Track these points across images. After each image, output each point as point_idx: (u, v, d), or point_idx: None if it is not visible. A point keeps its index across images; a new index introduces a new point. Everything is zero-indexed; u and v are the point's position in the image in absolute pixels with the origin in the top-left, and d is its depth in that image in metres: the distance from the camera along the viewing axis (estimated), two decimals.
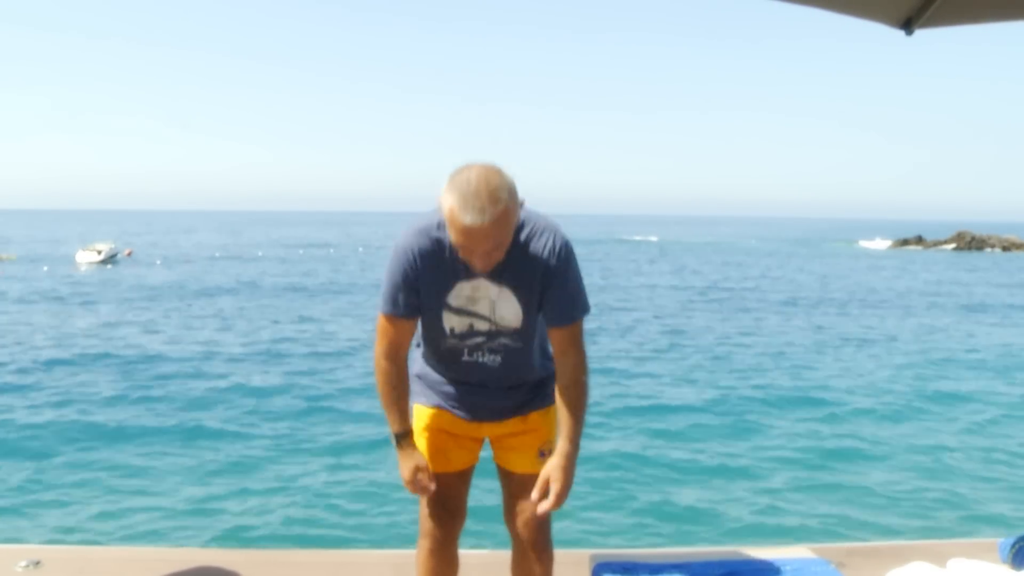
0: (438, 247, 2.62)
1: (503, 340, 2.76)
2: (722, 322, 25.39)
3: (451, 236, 2.48)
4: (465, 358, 2.82)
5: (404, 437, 2.77)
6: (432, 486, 2.74)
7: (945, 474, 10.44)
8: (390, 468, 9.88)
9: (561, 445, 2.70)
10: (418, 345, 2.95)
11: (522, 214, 2.61)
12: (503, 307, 2.70)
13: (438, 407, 2.92)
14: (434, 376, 2.95)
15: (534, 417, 2.89)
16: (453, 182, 2.42)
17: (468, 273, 2.65)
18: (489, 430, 2.94)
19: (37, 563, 3.87)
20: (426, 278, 2.67)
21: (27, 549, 4.18)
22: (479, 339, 2.77)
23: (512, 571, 3.01)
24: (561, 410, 2.73)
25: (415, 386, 2.95)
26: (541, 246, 2.64)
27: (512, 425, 2.91)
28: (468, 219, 2.36)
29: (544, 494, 2.65)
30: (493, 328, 2.74)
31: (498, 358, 2.79)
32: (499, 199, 2.38)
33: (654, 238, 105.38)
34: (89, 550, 4.49)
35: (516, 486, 2.88)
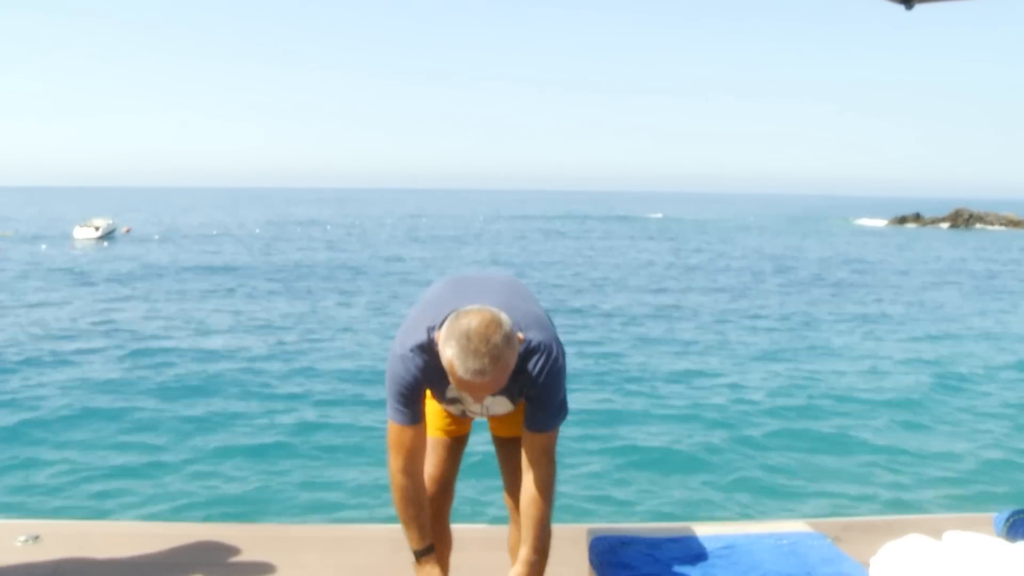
0: (433, 365, 2.59)
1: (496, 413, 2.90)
2: (719, 298, 25.42)
3: (450, 379, 2.48)
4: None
5: (424, 554, 2.71)
6: None
7: (942, 449, 10.50)
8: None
9: (524, 553, 2.72)
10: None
11: (520, 324, 2.59)
12: (495, 407, 2.79)
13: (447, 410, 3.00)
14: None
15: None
16: (452, 331, 2.41)
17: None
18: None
19: (36, 538, 3.88)
20: (426, 384, 2.68)
21: (26, 524, 4.19)
22: (471, 417, 2.94)
23: (510, 544, 3.04)
24: (525, 519, 2.74)
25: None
26: (532, 366, 2.62)
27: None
28: (467, 376, 2.37)
29: None
30: (485, 415, 2.88)
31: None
32: (498, 356, 2.38)
33: (658, 215, 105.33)
34: (88, 525, 4.50)
35: (511, 452, 2.91)
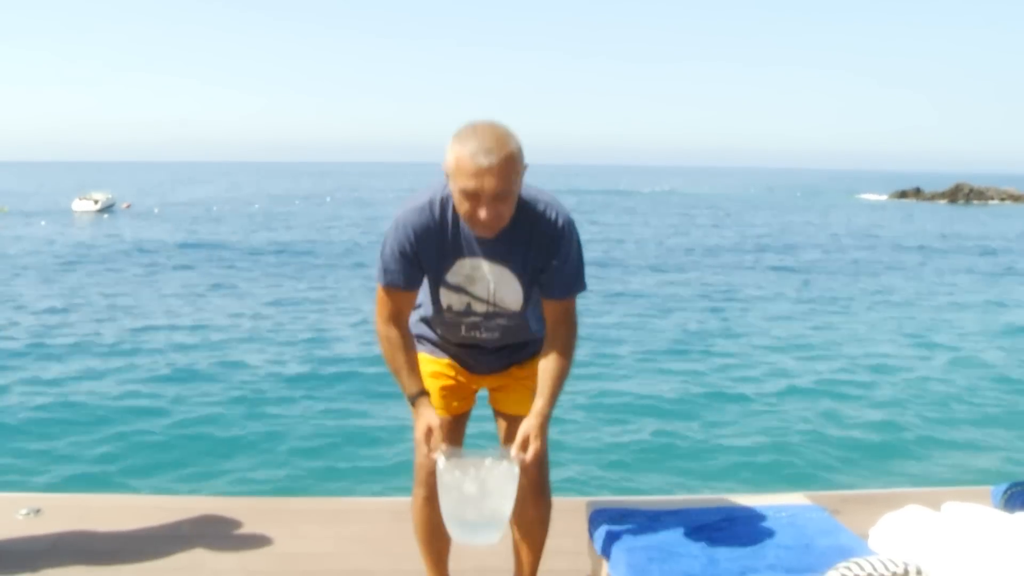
0: (437, 224, 2.61)
1: (500, 320, 2.78)
2: (718, 273, 25.45)
3: (458, 187, 2.45)
4: (463, 333, 2.83)
5: (419, 396, 2.72)
6: (443, 446, 2.66)
7: (940, 422, 10.53)
8: (387, 416, 9.96)
9: (539, 405, 2.70)
10: (418, 306, 2.93)
11: (525, 190, 2.60)
12: (502, 290, 2.71)
13: (437, 357, 2.93)
14: (432, 336, 2.96)
15: (529, 364, 2.89)
16: (458, 135, 2.43)
17: (468, 250, 2.65)
18: (486, 382, 2.97)
19: (38, 511, 3.90)
20: (425, 254, 2.66)
21: (27, 497, 4.21)
22: (476, 318, 2.77)
23: (512, 516, 3.04)
24: (543, 373, 2.73)
25: (415, 343, 2.92)
26: (544, 220, 2.63)
27: (509, 375, 2.93)
28: (477, 160, 2.37)
29: (524, 449, 2.64)
30: (491, 310, 2.75)
31: (496, 334, 2.81)
32: (506, 143, 2.40)
33: (661, 188, 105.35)
34: (89, 498, 4.52)
35: (514, 427, 2.86)
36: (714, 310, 18.64)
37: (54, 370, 12.63)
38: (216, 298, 19.83)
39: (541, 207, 2.62)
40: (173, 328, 16.00)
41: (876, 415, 10.78)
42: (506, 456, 2.59)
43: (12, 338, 14.90)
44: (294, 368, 12.96)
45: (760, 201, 79.91)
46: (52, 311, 17.62)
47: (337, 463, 8.98)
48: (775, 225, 47.56)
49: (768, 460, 9.12)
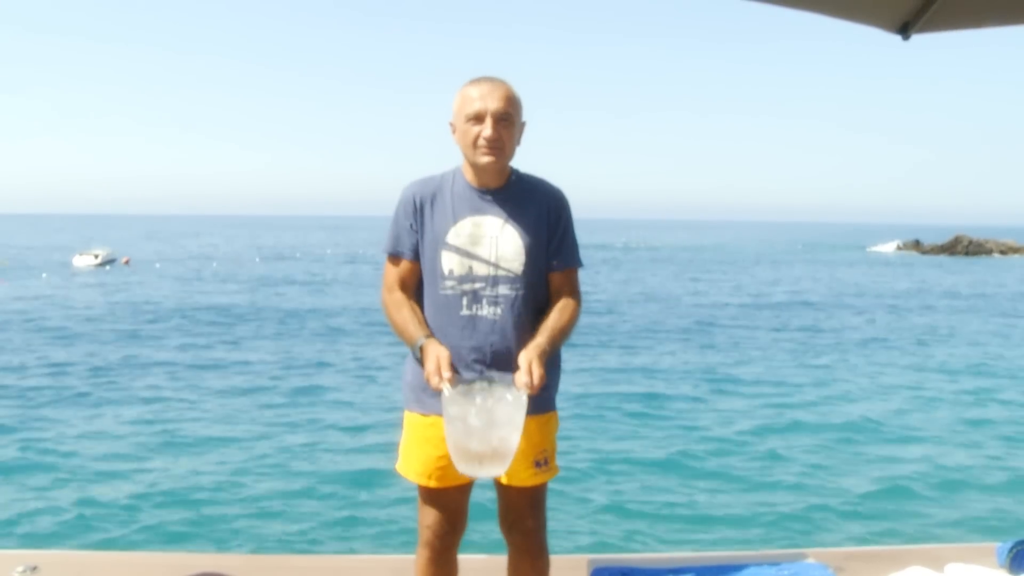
0: (440, 188, 2.83)
1: (502, 289, 2.77)
2: (718, 328, 25.45)
3: (463, 116, 2.74)
4: (463, 311, 2.78)
5: (426, 339, 2.71)
6: (449, 375, 2.59)
7: (944, 478, 10.44)
8: (388, 474, 9.88)
9: (538, 340, 2.69)
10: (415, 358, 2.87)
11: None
12: (505, 244, 2.76)
13: (429, 414, 2.86)
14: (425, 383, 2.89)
15: (531, 425, 2.80)
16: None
17: (472, 208, 2.78)
18: None
19: (34, 569, 3.86)
20: (428, 220, 2.81)
21: (24, 554, 4.17)
22: (478, 284, 2.76)
23: (508, 573, 3.02)
24: (548, 320, 2.77)
25: (411, 394, 2.91)
26: (545, 185, 2.88)
27: None
28: (481, 86, 2.72)
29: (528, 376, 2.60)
30: (493, 272, 2.76)
31: (498, 310, 2.77)
32: (506, 82, 2.76)
33: (669, 242, 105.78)
34: (86, 555, 4.48)
35: (512, 498, 2.90)
36: (715, 366, 18.57)
37: (52, 426, 12.59)
38: (214, 355, 19.79)
39: (539, 177, 2.90)
40: (175, 385, 15.97)
41: (880, 471, 10.69)
42: (513, 385, 2.55)
43: (11, 395, 14.85)
44: (294, 425, 12.89)
45: (761, 255, 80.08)
46: (52, 367, 17.60)
47: (338, 520, 8.90)
48: (774, 279, 47.61)
49: (772, 517, 9.04)
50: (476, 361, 2.79)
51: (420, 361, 2.71)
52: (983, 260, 70.07)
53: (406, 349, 2.85)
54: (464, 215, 2.76)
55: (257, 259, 61.05)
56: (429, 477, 2.86)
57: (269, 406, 14.10)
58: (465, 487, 2.94)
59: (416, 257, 2.84)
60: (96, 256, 51.20)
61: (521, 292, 2.78)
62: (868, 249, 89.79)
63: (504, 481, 2.90)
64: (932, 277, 48.75)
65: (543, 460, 2.86)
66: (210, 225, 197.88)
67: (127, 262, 54.05)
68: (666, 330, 24.44)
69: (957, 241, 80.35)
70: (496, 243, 2.75)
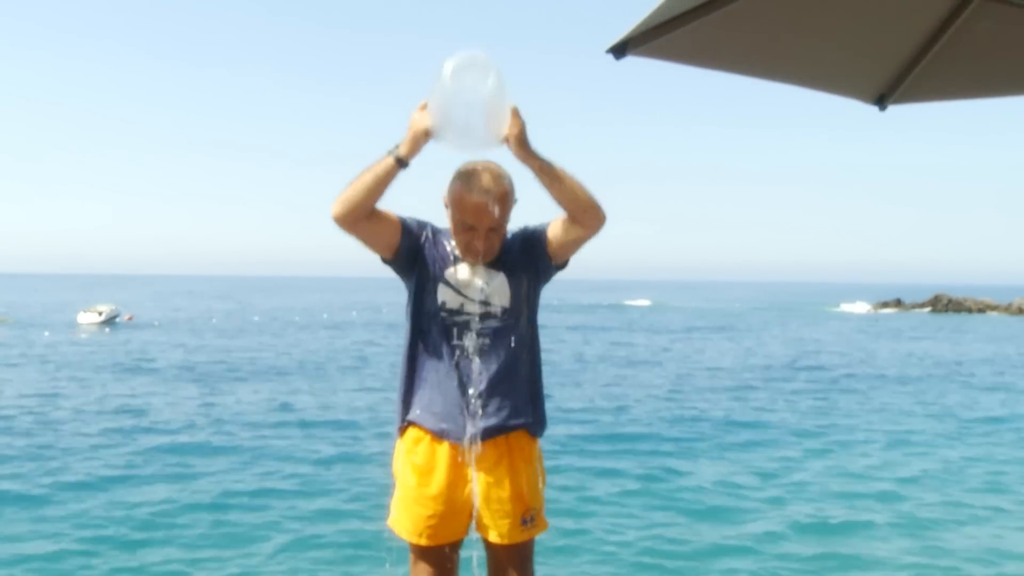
0: (444, 239, 2.94)
1: (491, 323, 2.89)
2: (693, 394, 25.51)
3: (456, 219, 2.79)
4: (454, 341, 2.89)
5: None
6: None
7: (941, 546, 10.31)
8: (379, 525, 9.84)
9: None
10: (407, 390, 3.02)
11: None
12: (495, 288, 2.90)
13: (429, 432, 2.94)
14: (424, 396, 2.98)
15: (518, 479, 2.93)
16: (460, 172, 2.78)
17: (463, 258, 2.92)
18: (478, 464, 2.90)
19: None
20: (431, 251, 2.92)
21: None
22: (469, 318, 2.88)
23: None
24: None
25: (405, 405, 3.04)
26: (520, 231, 2.99)
27: (497, 462, 2.92)
28: (476, 197, 2.69)
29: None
30: (483, 310, 2.89)
31: (486, 341, 2.88)
32: (502, 180, 2.76)
33: (643, 302, 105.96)
34: None
35: (499, 555, 2.98)
36: (703, 425, 18.56)
37: (50, 478, 12.56)
38: (215, 409, 19.71)
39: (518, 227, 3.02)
40: (173, 436, 15.93)
41: (872, 538, 10.65)
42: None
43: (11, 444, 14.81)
44: (291, 476, 12.85)
45: (737, 316, 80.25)
46: (60, 420, 17.54)
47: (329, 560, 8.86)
48: (757, 341, 47.75)
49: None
50: (461, 385, 2.88)
51: (401, 159, 2.69)
52: (963, 317, 70.71)
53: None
54: (460, 262, 2.92)
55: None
56: (420, 535, 2.94)
57: (275, 453, 14.10)
58: (455, 544, 3.00)
59: (397, 225, 2.89)
60: (100, 313, 50.77)
61: (510, 323, 2.92)
62: (839, 308, 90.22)
63: (492, 539, 2.96)
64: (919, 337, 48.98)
65: (529, 518, 2.94)
66: (206, 284, 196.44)
67: (130, 319, 53.89)
68: (636, 394, 24.48)
69: (937, 300, 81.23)
70: (487, 289, 2.89)
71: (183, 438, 16.06)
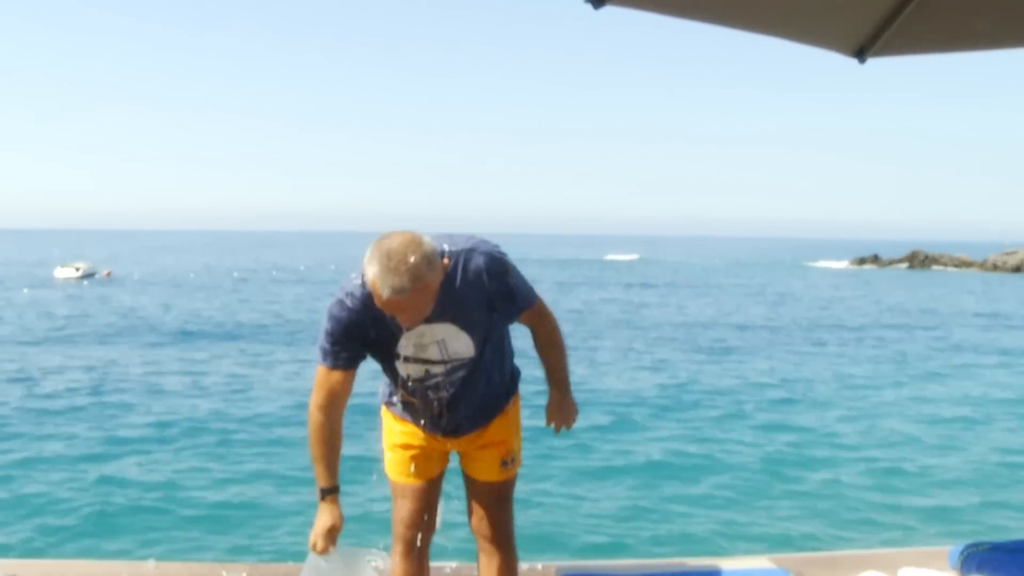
0: (371, 307, 2.59)
1: (460, 374, 2.85)
2: (683, 341, 25.65)
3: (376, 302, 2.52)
4: (429, 395, 2.90)
5: (328, 493, 2.84)
6: (324, 547, 2.81)
7: (902, 484, 10.64)
8: (363, 485, 9.87)
9: (550, 392, 2.98)
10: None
11: (445, 247, 2.65)
12: (453, 343, 2.78)
13: (406, 420, 3.02)
14: (403, 411, 3.05)
15: (495, 426, 3.02)
16: (374, 253, 2.45)
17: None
18: (455, 445, 3.05)
19: None
20: (369, 335, 2.74)
21: (3, 563, 4.18)
22: (437, 379, 2.85)
23: (479, 573, 3.13)
24: (546, 365, 2.98)
25: (385, 388, 3.06)
26: (473, 274, 2.67)
27: (476, 438, 3.03)
28: (388, 294, 2.42)
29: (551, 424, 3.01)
30: (448, 367, 2.82)
31: (456, 387, 2.88)
32: (418, 276, 2.42)
33: (631, 256, 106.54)
34: (66, 564, 4.47)
35: (479, 491, 3.05)
36: (679, 377, 18.73)
37: (29, 433, 12.51)
38: (193, 363, 19.66)
39: (463, 264, 2.66)
40: (152, 391, 15.89)
41: (840, 477, 10.88)
42: (378, 561, 2.81)
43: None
44: (277, 432, 12.83)
45: (729, 269, 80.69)
46: (38, 376, 17.44)
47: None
48: (742, 292, 48.01)
49: (734, 523, 9.19)
50: (438, 415, 2.94)
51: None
52: (937, 273, 71.30)
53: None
54: (404, 330, 2.72)
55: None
56: (398, 473, 3.02)
57: (256, 407, 14.07)
58: (435, 481, 3.07)
59: (350, 366, 2.78)
60: (77, 269, 51.60)
61: (477, 371, 2.87)
62: (817, 263, 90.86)
63: (473, 476, 3.06)
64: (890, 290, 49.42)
65: (510, 459, 3.03)
66: (186, 240, 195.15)
67: (108, 274, 53.69)
68: (629, 342, 24.60)
69: (914, 256, 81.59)
70: (444, 345, 2.78)
71: (158, 391, 16.06)
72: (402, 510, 3.00)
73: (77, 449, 11.83)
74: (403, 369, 2.83)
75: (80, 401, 15.07)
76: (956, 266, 77.66)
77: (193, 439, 12.46)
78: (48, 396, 15.53)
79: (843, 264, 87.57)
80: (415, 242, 2.45)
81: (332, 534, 2.80)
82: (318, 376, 2.78)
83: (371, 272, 2.44)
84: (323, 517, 2.80)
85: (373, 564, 2.78)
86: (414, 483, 3.00)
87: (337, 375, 2.75)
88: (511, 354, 3.05)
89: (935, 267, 78.48)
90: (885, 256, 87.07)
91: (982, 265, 75.58)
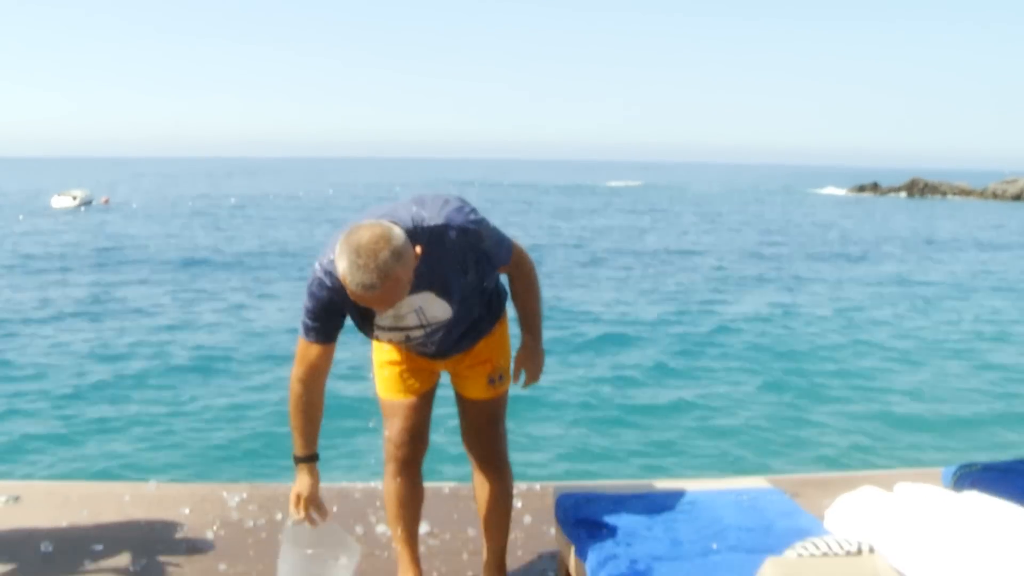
0: (345, 291, 2.53)
1: (440, 333, 2.86)
2: (685, 267, 25.62)
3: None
4: (413, 349, 2.98)
5: (305, 461, 2.83)
6: (303, 515, 2.81)
7: (898, 408, 10.76)
8: (357, 412, 9.92)
9: (524, 338, 3.02)
10: None
11: (420, 216, 2.60)
12: (431, 309, 2.76)
13: (396, 343, 3.01)
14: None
15: (481, 346, 3.04)
16: (344, 248, 2.39)
17: None
18: (443, 365, 3.09)
19: (16, 498, 3.93)
20: (347, 312, 2.74)
21: (6, 485, 4.24)
22: (418, 339, 2.87)
23: (475, 492, 3.20)
24: (520, 312, 3.01)
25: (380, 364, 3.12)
26: (448, 249, 2.64)
27: (463, 357, 3.05)
28: (358, 291, 2.38)
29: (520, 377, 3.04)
30: (427, 330, 2.82)
31: (439, 336, 2.88)
32: (388, 272, 2.36)
33: (629, 183, 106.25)
34: (68, 485, 4.53)
35: (470, 410, 3.10)
36: (679, 302, 18.75)
37: (31, 357, 12.59)
38: (194, 290, 19.68)
39: (438, 237, 2.61)
40: (153, 319, 15.94)
41: (836, 401, 11.00)
42: (350, 545, 2.85)
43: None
44: (278, 356, 12.90)
45: (730, 196, 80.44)
46: (35, 303, 17.48)
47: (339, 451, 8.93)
48: (742, 219, 47.93)
49: (731, 445, 9.32)
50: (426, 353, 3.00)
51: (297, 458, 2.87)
52: (937, 200, 71.21)
53: None
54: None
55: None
56: (388, 390, 3.07)
57: (255, 336, 14.16)
58: (426, 396, 3.10)
59: (330, 340, 2.76)
60: (75, 197, 50.87)
61: (456, 322, 2.86)
62: (818, 191, 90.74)
63: (463, 394, 3.11)
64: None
65: (497, 376, 3.06)
66: (188, 168, 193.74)
67: (106, 202, 53.41)
68: (631, 269, 24.58)
69: (913, 184, 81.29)
70: (422, 312, 2.76)
71: (157, 320, 16.12)
72: (393, 428, 3.05)
73: (85, 379, 11.89)
74: (383, 336, 2.86)
75: (81, 325, 15.15)
76: (955, 194, 77.41)
77: (196, 367, 12.53)
78: (47, 320, 15.61)
79: (842, 191, 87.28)
80: (384, 236, 2.38)
81: (304, 502, 2.80)
82: (299, 349, 2.77)
83: (341, 267, 2.39)
84: (297, 485, 2.83)
85: (342, 561, 2.78)
86: (405, 399, 3.05)
87: (317, 348, 2.74)
88: (494, 283, 3.01)
89: (933, 195, 78.26)
90: (885, 184, 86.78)
91: (981, 194, 75.33)
